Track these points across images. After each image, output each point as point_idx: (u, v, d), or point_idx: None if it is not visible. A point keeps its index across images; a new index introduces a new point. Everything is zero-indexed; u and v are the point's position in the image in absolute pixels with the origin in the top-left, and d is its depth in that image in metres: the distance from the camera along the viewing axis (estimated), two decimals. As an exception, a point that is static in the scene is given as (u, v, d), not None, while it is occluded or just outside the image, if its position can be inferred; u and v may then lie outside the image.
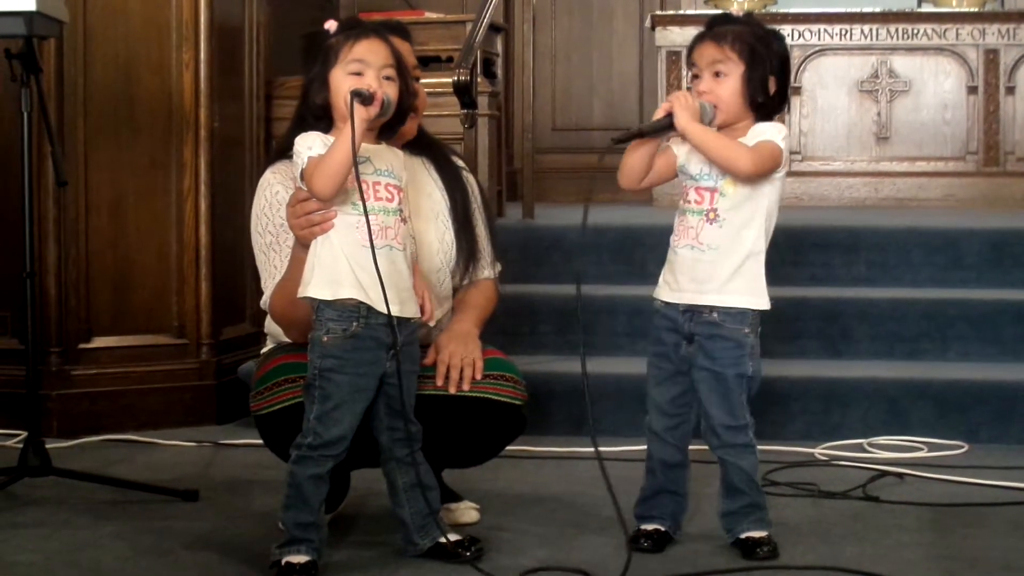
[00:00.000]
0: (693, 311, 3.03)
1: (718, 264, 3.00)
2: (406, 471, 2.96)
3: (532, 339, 4.81)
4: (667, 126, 2.98)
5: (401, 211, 2.91)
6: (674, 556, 3.05)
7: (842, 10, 6.88)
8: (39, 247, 4.31)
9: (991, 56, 6.75)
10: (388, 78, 2.89)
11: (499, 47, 6.16)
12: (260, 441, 3.27)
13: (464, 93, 5.00)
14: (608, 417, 4.44)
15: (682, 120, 2.94)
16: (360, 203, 2.84)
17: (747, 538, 3.06)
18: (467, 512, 3.35)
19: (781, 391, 4.30)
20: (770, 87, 3.02)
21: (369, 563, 3.02)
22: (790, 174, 6.14)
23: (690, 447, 3.16)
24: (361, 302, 2.85)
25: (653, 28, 6.91)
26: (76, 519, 3.42)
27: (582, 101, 7.85)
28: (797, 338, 4.68)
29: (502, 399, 3.17)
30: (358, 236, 2.85)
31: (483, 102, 5.29)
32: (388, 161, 2.92)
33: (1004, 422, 4.32)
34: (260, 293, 3.20)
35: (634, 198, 7.09)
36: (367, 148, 2.86)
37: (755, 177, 2.97)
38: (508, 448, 3.36)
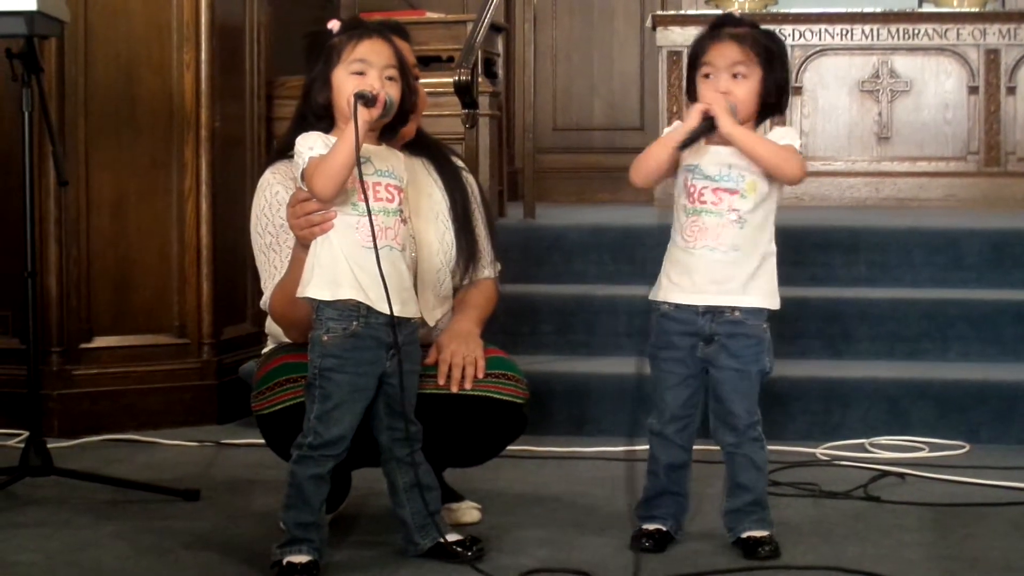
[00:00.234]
0: (713, 311, 3.03)
1: (739, 265, 3.01)
2: (406, 471, 2.96)
3: (533, 339, 4.81)
4: (709, 129, 2.97)
5: (401, 211, 2.91)
6: (675, 556, 3.05)
7: (843, 10, 6.88)
8: (40, 247, 4.31)
9: (992, 56, 6.75)
10: (390, 78, 2.89)
11: (500, 47, 6.16)
12: (261, 441, 3.27)
13: (465, 93, 5.00)
14: (608, 417, 4.44)
15: (728, 124, 2.96)
16: (360, 204, 2.84)
17: (748, 537, 3.06)
18: (468, 512, 3.35)
19: (782, 391, 4.30)
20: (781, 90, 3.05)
21: (370, 563, 3.02)
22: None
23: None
24: (361, 302, 2.85)
25: (654, 28, 6.91)
26: (77, 519, 3.42)
27: (583, 101, 7.85)
28: (798, 338, 4.68)
29: (504, 398, 3.17)
30: (358, 236, 2.85)
31: (484, 102, 5.29)
32: (389, 162, 2.92)
33: (1005, 422, 4.32)
34: (260, 293, 3.20)
35: (634, 198, 7.11)
36: (368, 148, 2.86)
37: (801, 181, 3.04)
38: (509, 448, 3.36)
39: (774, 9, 7.09)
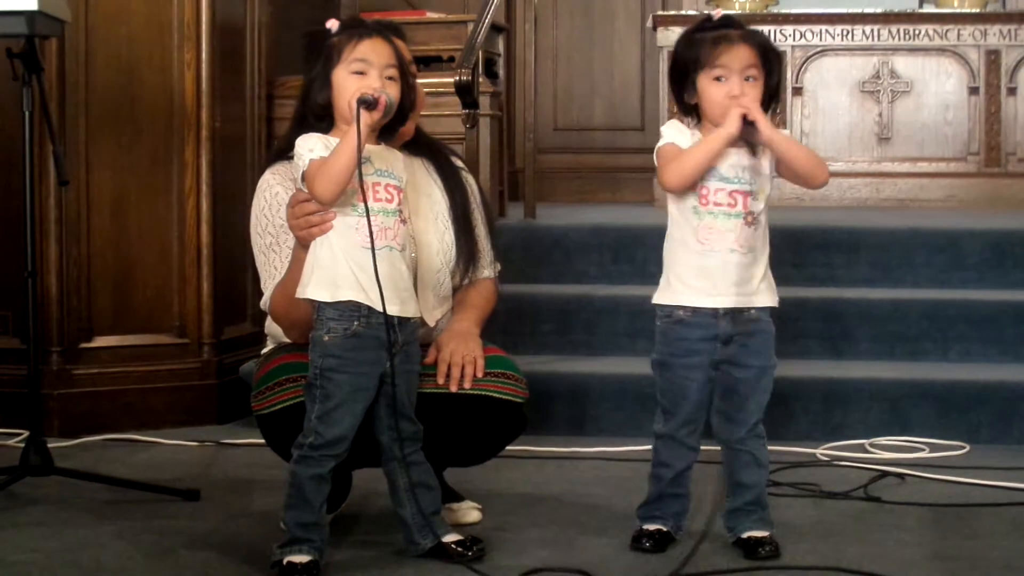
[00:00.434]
0: (734, 313, 3.03)
1: (755, 265, 3.03)
2: (407, 471, 2.95)
3: (533, 339, 4.81)
4: (751, 133, 2.97)
5: (401, 212, 2.91)
6: (676, 556, 3.04)
7: (844, 11, 6.87)
8: (40, 246, 4.31)
9: (992, 57, 6.75)
10: (390, 78, 2.89)
11: (501, 47, 6.16)
12: (261, 441, 3.27)
13: (466, 93, 5.00)
14: (609, 417, 4.44)
15: (769, 128, 2.96)
16: (360, 204, 2.84)
17: (749, 537, 3.07)
18: (468, 512, 3.35)
19: (782, 391, 4.27)
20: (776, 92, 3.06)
21: (370, 563, 3.02)
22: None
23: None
24: (361, 303, 2.85)
25: (655, 28, 6.90)
26: (77, 518, 3.42)
27: (584, 101, 7.84)
28: (798, 338, 4.68)
29: (503, 397, 3.17)
30: (357, 237, 2.85)
31: (485, 102, 5.29)
32: (388, 161, 2.92)
33: (1005, 422, 4.32)
34: (260, 294, 3.20)
35: (635, 198, 7.13)
36: (367, 148, 2.85)
37: (825, 185, 3.07)
38: (509, 448, 3.36)
39: (775, 9, 7.09)
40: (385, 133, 2.93)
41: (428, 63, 5.70)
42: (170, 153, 4.60)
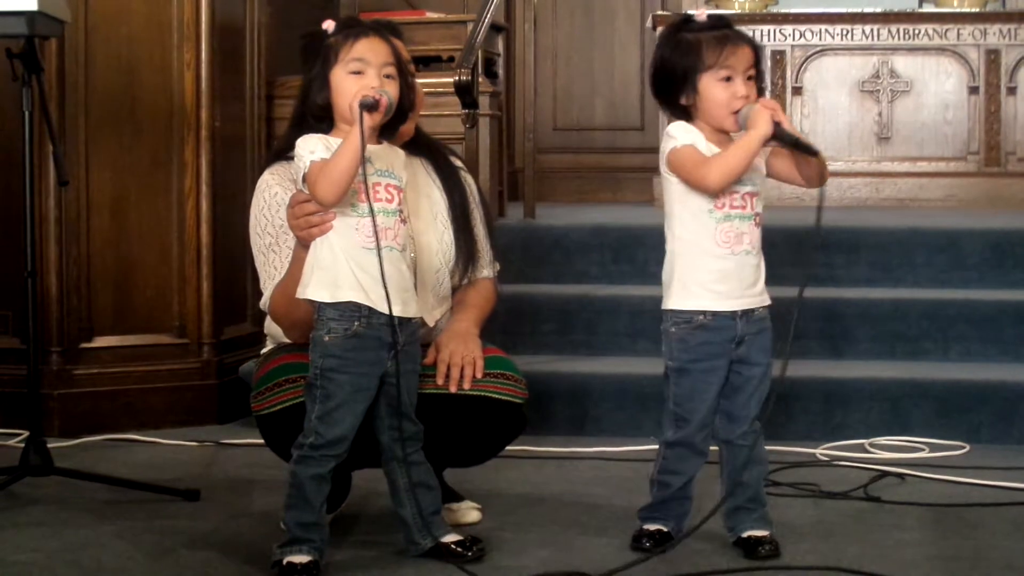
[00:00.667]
0: (747, 314, 3.04)
1: (761, 265, 3.07)
2: (407, 471, 2.95)
3: (533, 339, 4.81)
4: (784, 136, 2.97)
5: (401, 212, 2.91)
6: (676, 556, 3.04)
7: (843, 10, 6.87)
8: (40, 246, 4.31)
9: (992, 56, 6.74)
10: (389, 76, 2.89)
11: (500, 47, 6.16)
12: (261, 441, 3.27)
13: (465, 93, 5.00)
14: (609, 417, 4.44)
15: (792, 127, 2.98)
16: (360, 205, 2.84)
17: (749, 537, 3.07)
18: (468, 512, 3.35)
19: (782, 391, 4.28)
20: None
21: (370, 563, 3.02)
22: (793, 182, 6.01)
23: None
24: (362, 303, 2.85)
25: (655, 28, 6.89)
26: (77, 518, 3.42)
27: (584, 101, 7.84)
28: (798, 338, 4.63)
29: (503, 397, 3.17)
30: (358, 237, 2.85)
31: (484, 102, 5.29)
32: (388, 161, 2.92)
33: (1005, 422, 4.32)
34: (260, 294, 3.20)
35: (635, 198, 7.13)
36: (369, 148, 2.85)
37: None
38: (509, 448, 3.36)
39: (774, 9, 7.09)
40: (385, 131, 2.93)
41: (428, 63, 5.70)
42: (170, 153, 4.60)
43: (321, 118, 2.92)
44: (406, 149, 3.14)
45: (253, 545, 3.12)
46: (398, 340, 2.88)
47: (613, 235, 5.21)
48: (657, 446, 3.16)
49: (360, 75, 2.86)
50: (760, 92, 3.03)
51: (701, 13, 3.06)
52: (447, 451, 3.21)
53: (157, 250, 4.61)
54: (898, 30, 6.80)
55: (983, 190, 6.72)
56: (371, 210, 2.82)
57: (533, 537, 3.23)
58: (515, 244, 5.10)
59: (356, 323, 2.85)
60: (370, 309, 2.85)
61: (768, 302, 3.08)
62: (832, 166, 6.77)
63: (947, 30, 6.77)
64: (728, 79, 2.98)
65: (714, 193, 2.98)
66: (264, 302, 3.16)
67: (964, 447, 4.21)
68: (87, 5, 4.44)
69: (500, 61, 6.12)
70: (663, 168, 3.04)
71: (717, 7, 7.10)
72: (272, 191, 3.17)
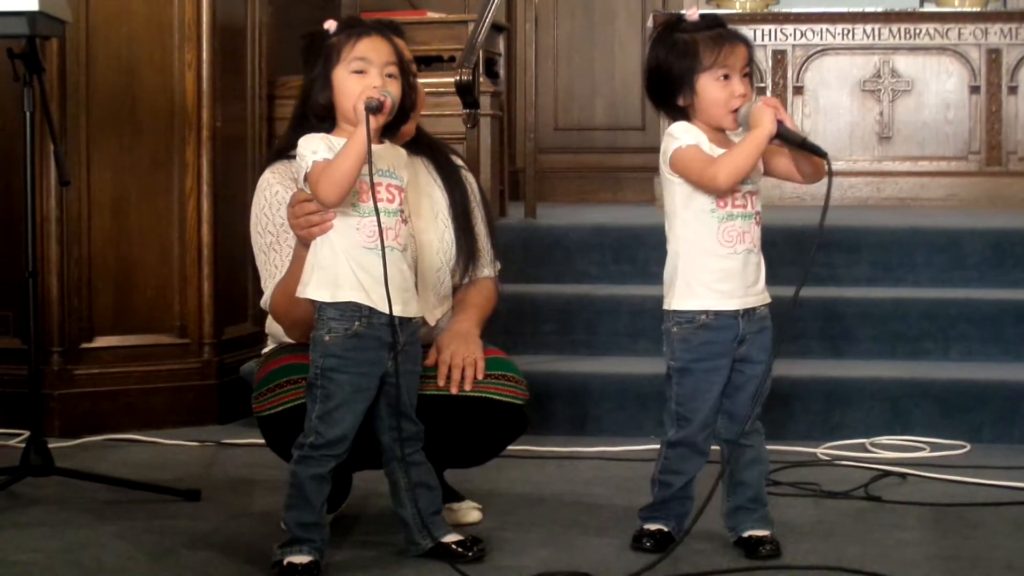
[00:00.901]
0: (748, 313, 3.04)
1: (761, 263, 3.07)
2: (408, 471, 2.95)
3: (534, 339, 4.81)
4: (787, 133, 2.97)
5: (402, 211, 2.91)
6: (676, 556, 3.04)
7: (844, 10, 6.87)
8: (41, 246, 4.32)
9: (993, 56, 6.74)
10: (391, 75, 2.89)
11: (501, 47, 6.16)
12: (262, 441, 3.27)
13: (466, 93, 5.00)
14: (610, 417, 4.44)
15: (794, 124, 2.99)
16: (361, 204, 2.84)
17: (750, 536, 3.07)
18: (469, 512, 3.35)
19: (783, 391, 4.29)
20: None
21: (371, 563, 3.02)
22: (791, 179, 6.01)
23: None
24: (362, 303, 2.85)
25: (655, 28, 6.90)
26: (78, 518, 3.42)
27: (584, 101, 7.84)
28: (799, 338, 4.68)
29: (503, 398, 3.17)
30: (359, 237, 2.85)
31: (485, 102, 5.29)
32: (390, 161, 2.92)
33: (1006, 422, 4.32)
34: (261, 293, 3.20)
35: (636, 198, 7.13)
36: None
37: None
38: (510, 448, 3.36)
39: (775, 9, 7.09)
40: (387, 131, 2.93)
41: (429, 63, 5.70)
42: (171, 153, 4.60)
43: (323, 118, 2.92)
44: (408, 148, 3.14)
45: (253, 545, 3.12)
46: (398, 340, 2.88)
47: (614, 235, 5.21)
48: (658, 446, 3.15)
49: (362, 75, 2.86)
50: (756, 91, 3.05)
51: (692, 13, 3.06)
52: (448, 452, 3.21)
53: (158, 250, 4.61)
54: (899, 30, 6.80)
55: (984, 190, 6.72)
56: (376, 211, 2.82)
57: (534, 537, 3.23)
58: (516, 244, 5.10)
59: (357, 323, 2.85)
60: (371, 309, 2.85)
61: (768, 300, 3.08)
62: (833, 166, 6.79)
63: (948, 30, 6.77)
64: (726, 78, 2.98)
65: (722, 193, 2.98)
66: (265, 301, 3.17)
67: (965, 447, 4.21)
68: (88, 5, 4.44)
69: (501, 61, 6.12)
70: (664, 168, 3.03)
71: (718, 7, 7.11)
72: (273, 190, 3.17)
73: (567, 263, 5.18)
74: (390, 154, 2.93)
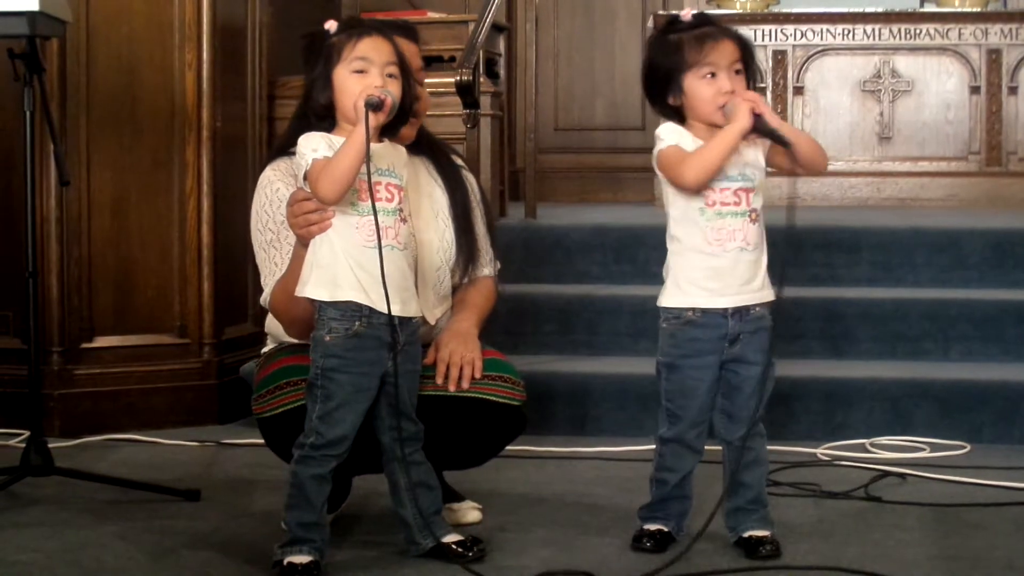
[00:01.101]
0: (741, 312, 3.03)
1: (759, 261, 3.04)
2: (408, 471, 2.95)
3: (535, 339, 4.81)
4: (762, 127, 2.96)
5: (401, 210, 2.91)
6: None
7: (845, 10, 6.87)
8: (41, 246, 4.32)
9: (994, 56, 6.74)
10: (391, 75, 2.89)
11: (502, 47, 6.16)
12: (262, 441, 3.27)
13: (467, 93, 5.00)
14: (610, 417, 4.44)
15: (776, 119, 2.98)
16: (360, 204, 2.84)
17: (750, 537, 3.07)
18: (469, 512, 3.35)
19: (783, 391, 4.28)
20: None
21: (371, 563, 3.02)
22: (794, 173, 6.06)
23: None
24: (362, 303, 2.85)
25: (656, 28, 6.90)
26: (78, 518, 3.42)
27: (585, 101, 7.84)
28: (799, 338, 4.68)
29: (500, 400, 3.17)
30: (358, 236, 2.85)
31: (486, 102, 5.29)
32: (390, 160, 2.92)
33: (1007, 422, 4.32)
34: (261, 291, 3.20)
35: (636, 198, 7.12)
36: (371, 147, 2.85)
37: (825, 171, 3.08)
38: (510, 448, 3.36)
39: (776, 9, 7.09)
40: (387, 130, 2.93)
41: (429, 63, 5.67)
42: (171, 153, 4.60)
43: (323, 117, 2.92)
44: (409, 148, 3.14)
45: (254, 545, 3.12)
46: (398, 340, 2.88)
47: (614, 235, 5.21)
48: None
49: (363, 74, 2.86)
50: (753, 82, 3.03)
51: (687, 13, 3.07)
52: (445, 453, 3.21)
53: (158, 250, 4.61)
54: (899, 30, 6.80)
55: (984, 190, 6.72)
56: (374, 210, 2.82)
57: (534, 537, 3.23)
58: (516, 244, 5.10)
59: (357, 323, 2.85)
60: (371, 309, 2.85)
61: (768, 299, 3.06)
62: (833, 166, 6.83)
63: (948, 30, 6.77)
64: (712, 75, 2.98)
65: (693, 190, 2.98)
66: (264, 298, 3.16)
67: (965, 447, 4.21)
68: (88, 5, 4.44)
69: (501, 61, 6.12)
70: (656, 169, 3.06)
71: (719, 7, 7.11)
72: (274, 187, 3.16)
73: (568, 263, 5.18)
74: (390, 153, 2.93)
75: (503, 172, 5.80)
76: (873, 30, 6.81)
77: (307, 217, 2.87)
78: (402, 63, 2.92)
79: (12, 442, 4.16)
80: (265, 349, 3.33)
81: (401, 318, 2.88)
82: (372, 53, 2.87)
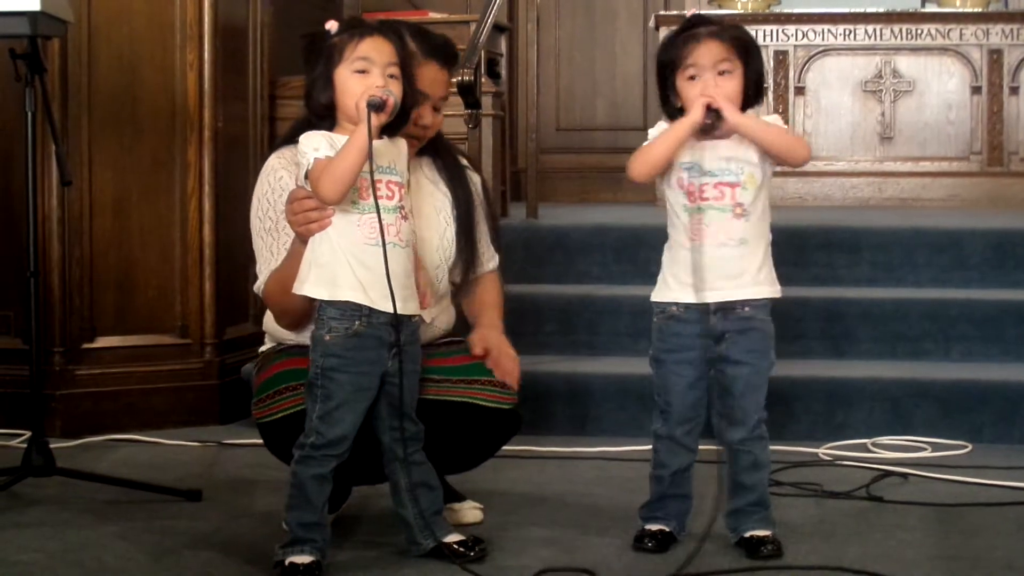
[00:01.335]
0: (725, 308, 3.02)
1: (749, 258, 3.02)
2: (408, 471, 2.95)
3: (535, 339, 4.80)
4: (717, 121, 2.96)
5: (402, 208, 2.90)
6: (677, 556, 3.04)
7: (846, 10, 6.88)
8: (43, 246, 4.32)
9: (995, 56, 6.75)
10: (392, 76, 2.89)
11: (503, 47, 6.16)
12: (263, 441, 3.27)
13: (468, 93, 5.01)
14: (610, 417, 4.44)
15: (734, 113, 2.96)
16: (360, 202, 2.84)
17: (751, 537, 3.07)
18: (470, 512, 3.35)
19: (784, 391, 4.29)
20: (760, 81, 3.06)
21: (372, 563, 3.02)
22: (794, 173, 6.11)
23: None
24: (361, 303, 2.84)
25: (657, 28, 6.90)
26: (79, 519, 3.42)
27: (586, 101, 7.85)
28: (800, 338, 4.68)
29: (490, 404, 3.17)
30: (359, 234, 2.84)
31: (487, 102, 5.29)
32: (390, 157, 2.91)
33: (1007, 422, 4.32)
34: (255, 277, 3.17)
35: (637, 198, 7.11)
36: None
37: (807, 162, 3.08)
38: (510, 448, 3.37)
39: (777, 9, 7.09)
40: (387, 130, 2.92)
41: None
42: (172, 153, 4.60)
43: (323, 117, 2.92)
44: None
45: (255, 545, 3.12)
46: (400, 338, 2.88)
47: (615, 235, 5.21)
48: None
49: (365, 74, 2.86)
50: (755, 83, 3.03)
51: (691, 14, 3.09)
52: (439, 457, 3.19)
53: (159, 250, 4.61)
54: (901, 30, 6.80)
55: (985, 190, 6.72)
56: (376, 208, 2.82)
57: (535, 537, 3.23)
58: (517, 244, 5.10)
59: (357, 322, 2.85)
60: (370, 309, 2.85)
61: (762, 296, 3.03)
62: (835, 166, 6.85)
63: (950, 30, 6.78)
64: (694, 77, 2.99)
65: (638, 181, 3.03)
66: (258, 286, 3.14)
67: (966, 447, 4.21)
68: (90, 5, 4.44)
69: (503, 61, 6.12)
70: None
71: (720, 7, 7.11)
72: (278, 175, 3.15)
73: (568, 263, 5.18)
74: (390, 150, 2.92)
75: (504, 172, 5.80)
76: (874, 30, 6.82)
77: (307, 215, 2.87)
78: (403, 63, 2.92)
79: (13, 442, 4.16)
80: (263, 348, 3.31)
81: (401, 317, 2.88)
82: (373, 53, 2.87)
